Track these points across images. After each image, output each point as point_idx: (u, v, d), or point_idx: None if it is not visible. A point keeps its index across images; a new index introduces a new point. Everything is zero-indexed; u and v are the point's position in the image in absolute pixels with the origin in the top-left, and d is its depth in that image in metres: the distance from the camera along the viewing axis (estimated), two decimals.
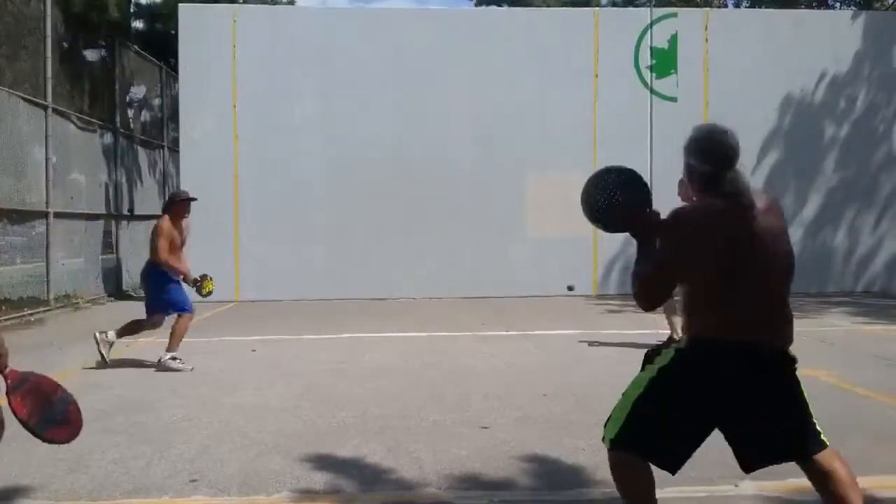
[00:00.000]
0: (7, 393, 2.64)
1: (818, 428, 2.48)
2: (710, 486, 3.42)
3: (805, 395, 2.46)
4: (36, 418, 2.66)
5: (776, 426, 2.41)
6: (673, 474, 2.48)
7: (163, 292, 6.28)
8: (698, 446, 2.46)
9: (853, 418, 4.51)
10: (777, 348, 2.40)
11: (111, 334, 6.33)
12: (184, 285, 6.43)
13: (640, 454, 2.43)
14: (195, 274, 6.41)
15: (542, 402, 5.01)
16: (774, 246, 2.35)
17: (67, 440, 2.81)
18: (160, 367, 6.15)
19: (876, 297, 12.16)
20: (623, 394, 2.53)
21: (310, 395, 5.25)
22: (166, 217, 6.31)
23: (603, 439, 2.53)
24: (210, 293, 6.48)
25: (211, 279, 6.47)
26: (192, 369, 6.13)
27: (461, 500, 3.29)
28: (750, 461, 2.48)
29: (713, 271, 2.31)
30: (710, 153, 2.39)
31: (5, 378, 2.64)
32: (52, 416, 2.74)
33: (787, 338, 2.43)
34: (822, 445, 2.46)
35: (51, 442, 2.79)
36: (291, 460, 3.80)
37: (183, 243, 6.44)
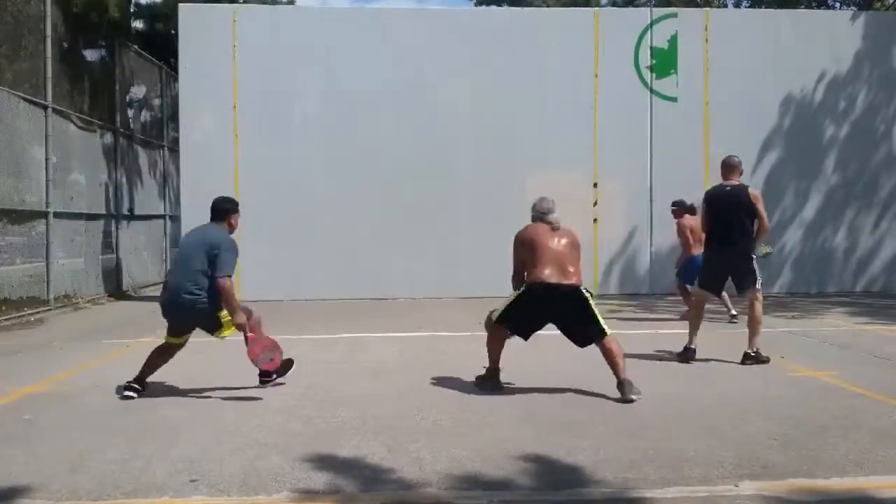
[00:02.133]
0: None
1: (603, 325, 5.12)
2: (710, 486, 3.42)
3: (592, 308, 5.10)
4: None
5: (572, 325, 5.22)
6: (525, 340, 5.41)
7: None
8: (539, 330, 5.34)
9: (853, 418, 4.50)
10: (563, 287, 5.06)
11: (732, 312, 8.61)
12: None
13: (508, 328, 5.29)
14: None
15: (542, 402, 5.01)
16: (553, 245, 5.16)
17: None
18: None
19: (876, 297, 12.17)
20: (504, 302, 5.29)
21: (310, 395, 5.26)
22: (686, 216, 8.85)
23: (491, 318, 5.36)
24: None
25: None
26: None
27: (461, 500, 3.29)
28: (576, 343, 5.31)
29: (528, 256, 5.15)
30: (535, 208, 5.41)
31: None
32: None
33: (567, 282, 5.06)
34: (603, 335, 5.11)
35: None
36: (291, 460, 3.80)
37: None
